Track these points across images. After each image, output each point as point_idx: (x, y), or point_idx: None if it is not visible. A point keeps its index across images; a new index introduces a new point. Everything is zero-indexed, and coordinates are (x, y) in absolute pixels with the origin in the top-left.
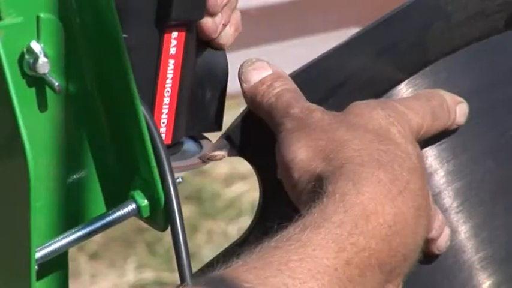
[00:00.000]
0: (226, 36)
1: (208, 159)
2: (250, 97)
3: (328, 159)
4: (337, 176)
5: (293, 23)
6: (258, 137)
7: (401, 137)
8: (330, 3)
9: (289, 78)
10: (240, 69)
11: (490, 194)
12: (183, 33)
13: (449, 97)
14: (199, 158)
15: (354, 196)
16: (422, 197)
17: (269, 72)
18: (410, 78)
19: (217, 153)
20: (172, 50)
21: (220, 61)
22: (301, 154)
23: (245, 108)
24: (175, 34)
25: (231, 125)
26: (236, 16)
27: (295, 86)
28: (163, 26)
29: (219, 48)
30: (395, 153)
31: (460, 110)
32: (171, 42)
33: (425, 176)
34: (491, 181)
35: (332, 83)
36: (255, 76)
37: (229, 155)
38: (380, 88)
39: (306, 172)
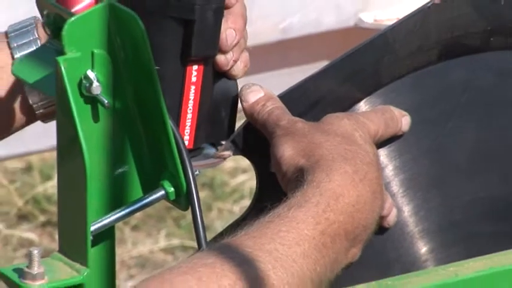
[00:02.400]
0: (238, 69)
1: (218, 157)
2: (248, 113)
3: (307, 156)
4: (314, 169)
5: (278, 57)
6: (255, 141)
7: (362, 140)
8: (306, 42)
9: (277, 98)
10: (240, 91)
11: (425, 184)
12: (202, 66)
13: (397, 111)
14: (212, 156)
15: (327, 183)
16: (377, 184)
17: (262, 94)
18: (368, 97)
19: (225, 153)
20: (194, 79)
21: (232, 88)
22: (287, 153)
23: (245, 120)
24: (195, 67)
25: (235, 132)
26: (245, 55)
27: (282, 104)
28: (186, 60)
29: (232, 78)
30: (357, 151)
31: (404, 121)
32: (192, 73)
33: (380, 169)
34: (426, 174)
35: (310, 101)
36: (252, 97)
37: (234, 154)
38: (345, 105)
39: (291, 166)
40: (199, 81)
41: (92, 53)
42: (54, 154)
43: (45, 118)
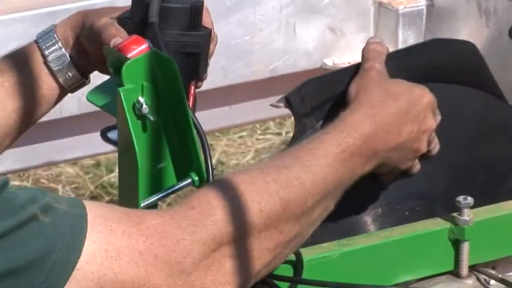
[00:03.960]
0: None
1: (273, 106)
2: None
3: (354, 97)
4: (349, 107)
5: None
6: (300, 102)
7: (404, 100)
8: (286, 79)
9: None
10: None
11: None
12: (195, 83)
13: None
14: (271, 105)
15: (350, 119)
16: (394, 126)
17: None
18: None
19: (278, 104)
20: (192, 91)
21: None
22: (351, 88)
23: (296, 86)
24: (193, 83)
25: (289, 92)
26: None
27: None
28: (191, 79)
29: None
30: (388, 104)
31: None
32: (192, 89)
33: (407, 119)
34: None
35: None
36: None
37: (285, 106)
38: None
39: (348, 97)
40: (194, 93)
41: (142, 85)
42: (116, 154)
43: (73, 91)
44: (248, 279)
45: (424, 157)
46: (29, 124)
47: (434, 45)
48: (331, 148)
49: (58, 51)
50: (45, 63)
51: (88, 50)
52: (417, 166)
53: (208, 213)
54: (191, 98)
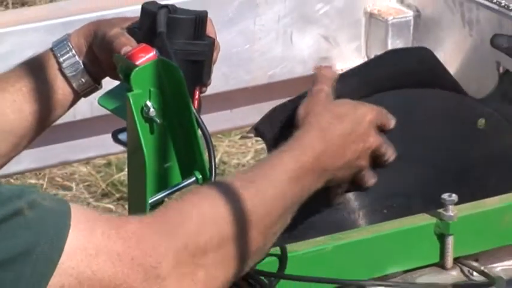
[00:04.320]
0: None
1: (244, 137)
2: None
3: (304, 118)
4: (301, 128)
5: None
6: (271, 129)
7: (349, 119)
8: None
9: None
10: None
11: None
12: (199, 88)
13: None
14: (242, 136)
15: (303, 139)
16: (341, 147)
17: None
18: None
19: (249, 134)
20: (196, 96)
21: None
22: (300, 110)
23: (263, 116)
24: (197, 89)
25: (257, 122)
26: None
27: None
28: (195, 85)
29: None
30: (335, 125)
31: (392, 121)
32: (196, 94)
33: (354, 140)
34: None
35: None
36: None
37: (255, 135)
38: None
39: (297, 119)
40: (199, 97)
41: (149, 90)
42: (125, 154)
43: (86, 96)
44: (220, 287)
45: (381, 166)
46: (44, 126)
47: (391, 55)
48: (289, 165)
49: (72, 59)
50: (60, 69)
51: (100, 57)
52: (372, 180)
53: (182, 223)
54: (196, 102)
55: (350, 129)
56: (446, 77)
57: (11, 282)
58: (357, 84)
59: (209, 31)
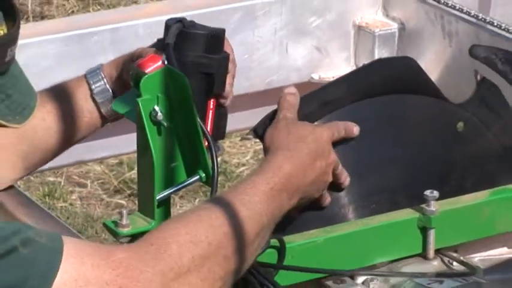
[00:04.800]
0: (227, 103)
1: (244, 138)
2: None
3: (273, 142)
4: (271, 151)
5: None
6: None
7: (311, 140)
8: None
9: (295, 101)
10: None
11: (350, 168)
12: (214, 100)
13: (350, 123)
14: (243, 138)
15: (274, 161)
16: (309, 166)
17: (294, 90)
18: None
19: (248, 136)
20: (211, 106)
21: (224, 112)
22: (267, 136)
23: (261, 119)
24: (212, 100)
25: (255, 125)
26: (231, 96)
27: (296, 103)
28: (208, 96)
29: (224, 106)
30: (301, 146)
31: (355, 130)
32: (211, 104)
33: (317, 158)
34: (352, 168)
35: (319, 103)
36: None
37: (254, 137)
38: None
39: (266, 145)
40: (214, 108)
41: (157, 96)
42: (136, 154)
43: (113, 121)
44: None
45: (338, 189)
46: (69, 145)
47: (377, 64)
48: (261, 187)
49: (103, 86)
50: (91, 95)
51: (127, 82)
52: (328, 198)
53: (165, 248)
54: (210, 112)
55: (314, 148)
56: (428, 84)
57: None
58: (346, 92)
59: (226, 47)
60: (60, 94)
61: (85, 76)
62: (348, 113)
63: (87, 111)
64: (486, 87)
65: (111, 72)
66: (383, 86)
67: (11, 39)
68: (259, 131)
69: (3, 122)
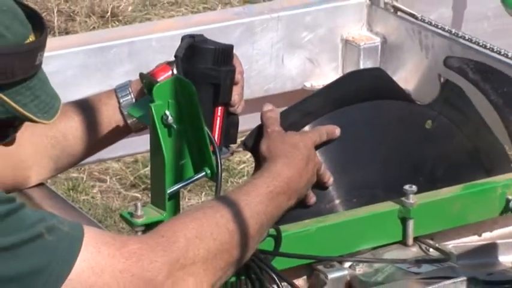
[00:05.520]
0: (238, 111)
1: (234, 152)
2: (262, 118)
3: (270, 152)
4: (270, 159)
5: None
6: (254, 144)
7: (302, 146)
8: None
9: (277, 114)
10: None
11: (333, 170)
12: (223, 107)
13: (331, 127)
14: (234, 150)
15: (274, 167)
16: (304, 170)
17: (270, 107)
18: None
19: (238, 149)
20: (219, 113)
21: (235, 119)
22: (263, 147)
23: (250, 131)
24: (219, 108)
25: (244, 138)
26: (242, 103)
27: (277, 117)
28: (215, 104)
29: (235, 114)
30: (295, 152)
31: (337, 132)
32: (218, 111)
33: (310, 161)
34: (334, 165)
35: (301, 114)
36: (264, 108)
37: (243, 150)
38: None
39: (263, 155)
40: (221, 115)
41: (168, 102)
42: (149, 153)
43: (137, 131)
44: None
45: (322, 187)
46: (96, 151)
47: (350, 77)
48: (262, 190)
49: (129, 100)
50: (119, 108)
51: None
52: (313, 198)
53: (174, 240)
54: (218, 119)
55: (306, 154)
56: (398, 90)
57: None
58: (323, 103)
59: (235, 61)
60: (92, 105)
61: (115, 90)
62: (327, 120)
63: (114, 122)
64: (449, 88)
65: (138, 88)
66: (356, 95)
67: (40, 45)
68: (248, 144)
69: (34, 118)
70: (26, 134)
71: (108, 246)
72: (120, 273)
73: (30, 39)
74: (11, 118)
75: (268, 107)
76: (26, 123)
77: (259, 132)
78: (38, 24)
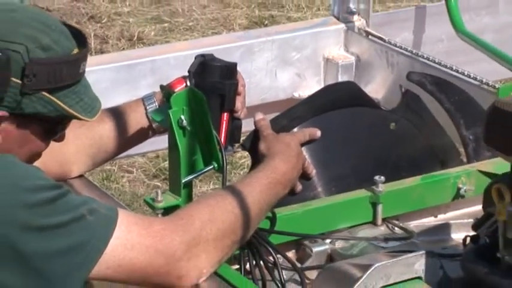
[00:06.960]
0: (241, 116)
1: (235, 151)
2: (256, 125)
3: (268, 150)
4: (269, 156)
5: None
6: (252, 145)
7: (293, 145)
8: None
9: (267, 120)
10: (254, 117)
11: (316, 163)
12: (228, 113)
13: (313, 129)
14: (234, 152)
15: (272, 162)
16: (296, 163)
17: (261, 117)
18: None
19: (238, 149)
20: (225, 118)
21: (239, 122)
22: (261, 147)
23: (248, 134)
24: (225, 114)
25: (242, 140)
26: (245, 110)
27: (268, 123)
28: (221, 111)
29: (239, 119)
30: (288, 150)
31: (317, 133)
32: (224, 116)
33: (300, 157)
34: (317, 160)
35: (290, 118)
36: (257, 117)
37: (242, 150)
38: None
39: (262, 153)
40: (227, 120)
41: (183, 108)
42: (168, 150)
43: (160, 133)
44: (216, 265)
45: (307, 178)
46: (125, 149)
47: (327, 89)
48: (263, 181)
49: (154, 108)
50: (146, 114)
51: None
52: (300, 187)
53: (191, 222)
54: (224, 123)
55: (297, 151)
56: (367, 99)
57: (64, 264)
58: (307, 110)
59: (239, 77)
60: (123, 112)
61: (142, 99)
62: (311, 124)
63: (141, 125)
64: (409, 96)
65: (161, 98)
66: (334, 103)
67: (82, 56)
68: (246, 145)
69: (80, 116)
70: (70, 136)
71: (137, 226)
72: (146, 248)
73: (75, 51)
74: (60, 116)
75: (259, 116)
76: (70, 127)
77: (254, 136)
78: (81, 40)
